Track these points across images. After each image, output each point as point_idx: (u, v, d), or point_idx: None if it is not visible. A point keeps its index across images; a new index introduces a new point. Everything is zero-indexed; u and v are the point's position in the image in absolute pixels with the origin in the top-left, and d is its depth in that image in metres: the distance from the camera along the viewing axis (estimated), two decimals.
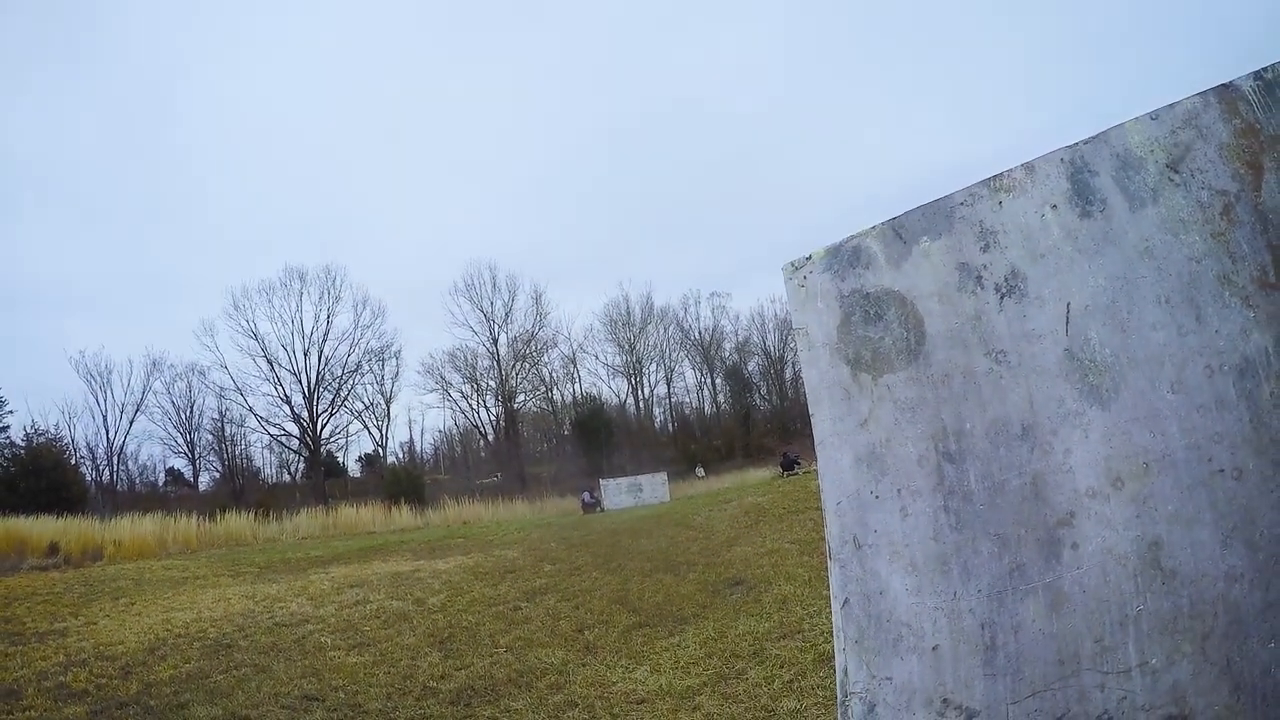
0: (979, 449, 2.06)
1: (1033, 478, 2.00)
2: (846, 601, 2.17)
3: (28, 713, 9.02)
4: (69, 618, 14.26)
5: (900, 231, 2.25)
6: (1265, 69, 1.95)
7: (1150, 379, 1.94)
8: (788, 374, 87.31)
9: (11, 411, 62.53)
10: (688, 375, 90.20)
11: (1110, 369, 1.97)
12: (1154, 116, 2.01)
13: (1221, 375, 1.87)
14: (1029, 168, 2.13)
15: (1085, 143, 2.08)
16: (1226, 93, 1.95)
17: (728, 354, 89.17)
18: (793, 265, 2.41)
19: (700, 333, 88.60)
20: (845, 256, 2.31)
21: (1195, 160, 1.94)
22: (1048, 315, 2.04)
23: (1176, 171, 1.96)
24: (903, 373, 2.17)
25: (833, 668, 7.16)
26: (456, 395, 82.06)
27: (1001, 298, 2.09)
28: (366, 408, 78.90)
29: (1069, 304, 2.03)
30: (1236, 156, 1.91)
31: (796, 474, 34.40)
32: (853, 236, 2.32)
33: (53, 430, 65.31)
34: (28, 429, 62.41)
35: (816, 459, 2.29)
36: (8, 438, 61.00)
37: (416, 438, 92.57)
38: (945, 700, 2.03)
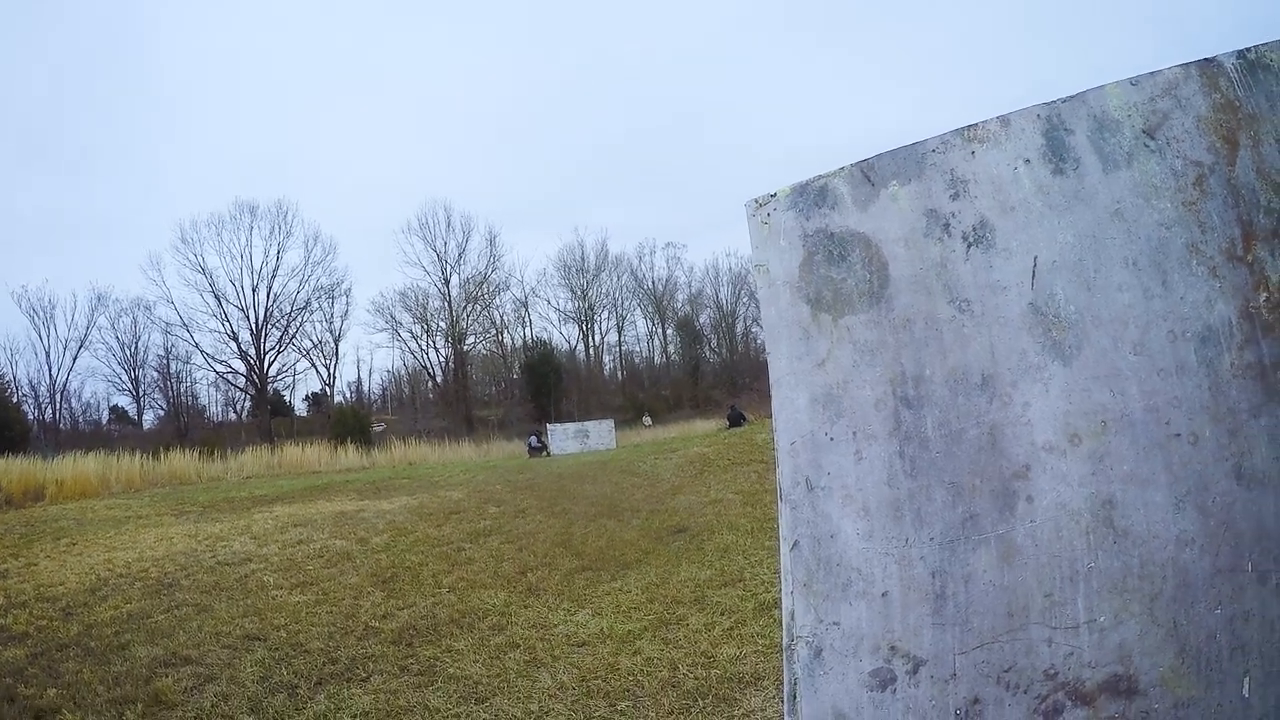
0: (937, 396, 2.04)
1: (990, 428, 1.98)
2: (796, 544, 2.14)
3: None
4: (9, 559, 14.11)
5: (869, 174, 2.21)
6: (1249, 49, 1.94)
7: (1113, 339, 1.92)
8: (739, 328, 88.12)
9: None
10: (639, 324, 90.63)
11: (1074, 325, 1.96)
12: (1134, 82, 1.99)
13: (1184, 341, 1.86)
14: (1004, 120, 2.10)
15: (1063, 101, 2.05)
16: (1208, 67, 1.94)
17: (680, 305, 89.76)
18: (756, 202, 2.36)
19: (654, 282, 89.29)
20: (811, 195, 2.27)
21: (1172, 129, 1.93)
22: (1014, 268, 2.02)
23: (1152, 138, 1.94)
24: (863, 315, 2.13)
25: (773, 617, 7.23)
26: (406, 335, 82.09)
27: (968, 247, 2.07)
28: (315, 346, 78.42)
29: (1036, 258, 2.01)
30: (1213, 130, 1.90)
31: (743, 428, 34.53)
32: (820, 176, 2.28)
33: None
34: None
35: (772, 398, 2.25)
36: None
37: (364, 377, 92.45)
38: (893, 648, 2.02)
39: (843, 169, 2.25)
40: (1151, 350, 1.89)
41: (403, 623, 9.72)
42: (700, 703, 6.81)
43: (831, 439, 2.14)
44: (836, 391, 2.14)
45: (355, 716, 7.22)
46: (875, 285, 2.14)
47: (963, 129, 2.15)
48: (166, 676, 8.21)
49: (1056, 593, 1.91)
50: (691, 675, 7.35)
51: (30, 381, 69.38)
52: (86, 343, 70.62)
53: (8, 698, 7.78)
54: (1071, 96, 2.05)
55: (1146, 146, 1.94)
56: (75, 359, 70.44)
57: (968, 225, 2.08)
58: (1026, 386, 1.97)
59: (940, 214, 2.11)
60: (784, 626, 2.16)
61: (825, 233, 2.22)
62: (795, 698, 2.12)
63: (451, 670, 8.10)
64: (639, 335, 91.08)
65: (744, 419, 39.90)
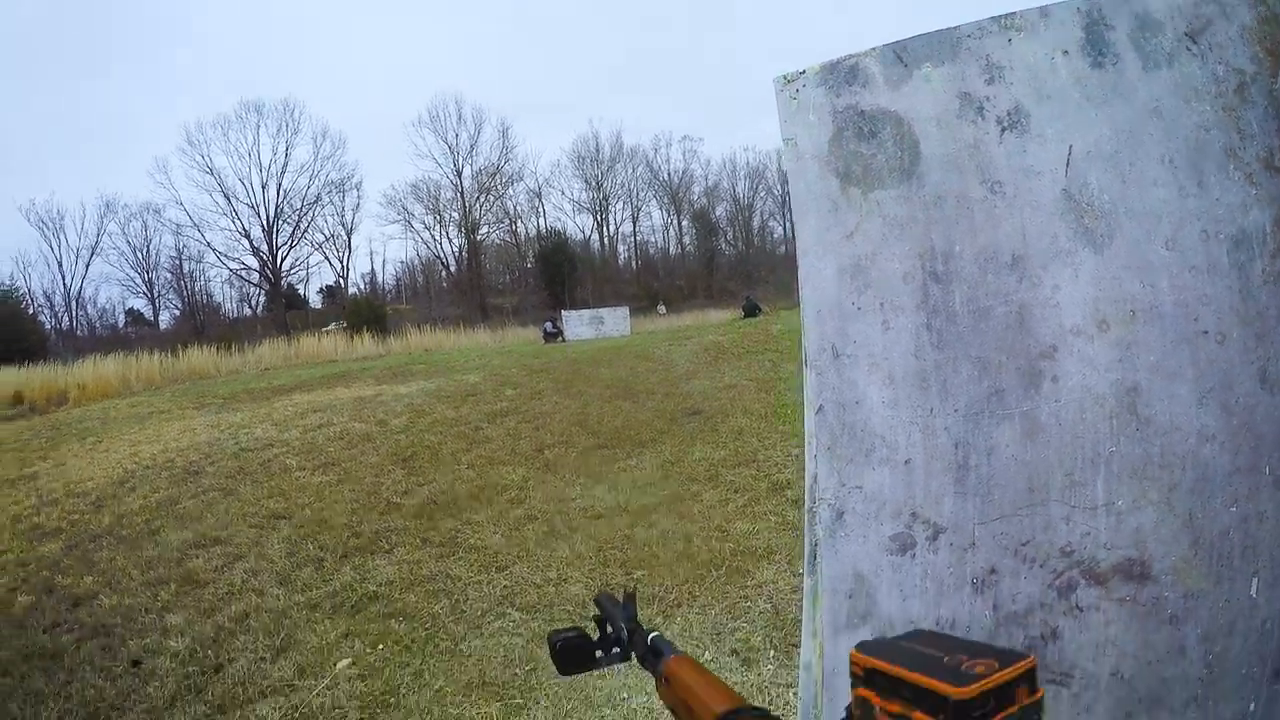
0: (966, 273, 2.03)
1: (1019, 307, 1.99)
2: (821, 408, 2.16)
3: (4, 555, 9.36)
4: (38, 462, 14.57)
5: (901, 55, 2.18)
6: None
7: (1146, 232, 1.91)
8: (755, 221, 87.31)
9: None
10: (654, 215, 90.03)
11: (1107, 215, 1.94)
12: None
13: (1217, 242, 1.85)
14: (1044, 11, 2.07)
15: None
16: None
17: (696, 197, 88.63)
18: (785, 78, 2.32)
19: (670, 174, 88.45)
20: (841, 73, 2.23)
21: (1215, 35, 1.88)
22: (1049, 154, 2.00)
23: (1195, 42, 1.90)
24: (894, 190, 2.11)
25: (785, 497, 7.35)
26: (419, 226, 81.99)
27: (1003, 130, 2.04)
28: (327, 239, 78.75)
29: (1071, 146, 1.99)
30: (1257, 40, 1.85)
31: (758, 318, 34.49)
32: (850, 55, 2.24)
33: (7, 282, 65.67)
34: None
35: (798, 268, 2.26)
36: None
37: (378, 269, 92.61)
38: (914, 514, 2.05)
39: (874, 49, 2.22)
40: (1184, 247, 1.88)
41: (423, 498, 9.94)
42: (714, 573, 6.98)
43: (859, 308, 2.14)
44: (864, 263, 2.13)
45: (380, 585, 7.42)
46: (906, 162, 2.12)
47: (999, 17, 2.12)
48: (197, 557, 8.55)
49: (1077, 473, 1.93)
50: (705, 548, 7.53)
51: (45, 292, 70.30)
52: (98, 249, 71.29)
53: (46, 589, 8.12)
54: None
55: (1188, 50, 1.91)
56: (88, 266, 71.17)
57: (1002, 110, 2.06)
58: (1057, 270, 1.97)
59: (974, 97, 2.09)
60: (807, 490, 2.19)
61: (855, 110, 2.20)
62: (815, 559, 2.15)
63: (472, 541, 8.32)
64: (654, 226, 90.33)
65: (759, 309, 39.90)
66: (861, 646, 0.78)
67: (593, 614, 1.69)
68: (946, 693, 0.66)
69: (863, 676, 0.76)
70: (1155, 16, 1.94)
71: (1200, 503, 1.85)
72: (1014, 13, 2.10)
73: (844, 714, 0.81)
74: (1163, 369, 1.88)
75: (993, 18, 2.12)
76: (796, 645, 5.17)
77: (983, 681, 0.66)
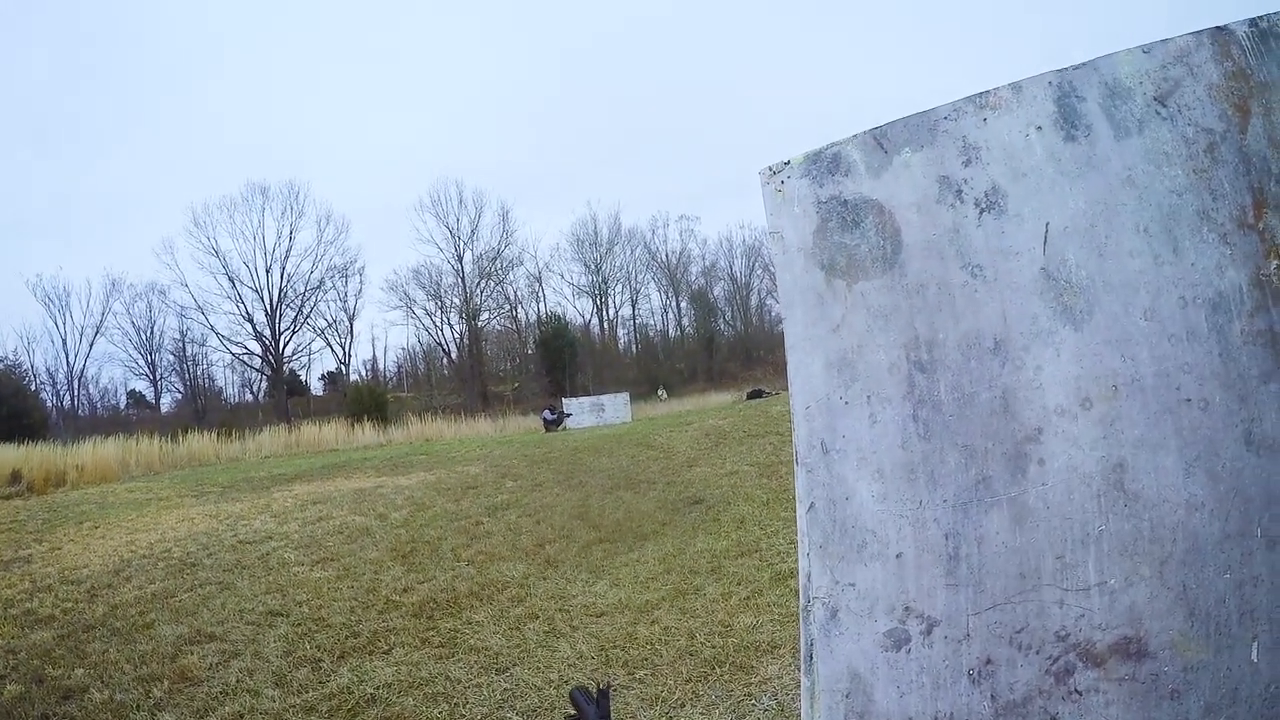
0: (950, 360, 2.05)
1: (1003, 392, 2.00)
2: (812, 506, 2.16)
3: None
4: (33, 544, 14.38)
5: (881, 141, 2.21)
6: (1261, 17, 1.92)
7: (1124, 304, 1.93)
8: (753, 300, 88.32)
9: None
10: (653, 297, 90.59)
11: (1085, 291, 1.96)
12: (1145, 50, 1.98)
13: (1195, 307, 1.86)
14: (1016, 87, 2.10)
15: (1074, 68, 2.04)
16: (1220, 35, 1.92)
17: (694, 278, 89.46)
18: (770, 170, 2.36)
19: (667, 255, 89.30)
20: (824, 163, 2.27)
21: (1183, 97, 1.92)
22: (1026, 233, 2.02)
23: (1164, 105, 1.93)
24: (877, 280, 2.14)
25: (789, 587, 7.28)
26: (420, 312, 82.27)
27: (981, 213, 2.07)
28: (329, 325, 79.17)
29: (1048, 224, 2.01)
30: (1225, 98, 1.89)
31: (762, 399, 34.79)
32: (833, 144, 2.28)
33: (11, 357, 65.93)
34: None
35: (787, 363, 2.26)
36: None
37: (379, 355, 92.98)
38: (907, 608, 2.04)
39: (855, 136, 2.26)
40: (1162, 316, 1.89)
41: (423, 596, 9.87)
42: (717, 671, 6.90)
43: (846, 403, 2.15)
44: (851, 356, 2.15)
45: (378, 688, 7.34)
46: (889, 251, 2.14)
47: (975, 96, 2.15)
48: (192, 653, 8.40)
49: (1068, 555, 1.93)
50: (709, 644, 7.45)
51: (48, 369, 70.30)
52: (102, 329, 71.32)
53: (36, 679, 7.98)
54: (1083, 64, 2.04)
55: (1158, 114, 1.94)
56: (92, 345, 71.10)
57: (980, 192, 2.08)
58: (1038, 350, 1.98)
59: (953, 180, 2.12)
60: (800, 588, 2.18)
61: (839, 200, 2.23)
62: (811, 659, 2.14)
63: (472, 642, 8.23)
64: (653, 308, 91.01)
65: (763, 393, 40.46)
66: None
67: (566, 713, 1.67)
68: None
69: None
70: (1124, 83, 1.98)
71: (1193, 573, 1.84)
72: (988, 91, 2.13)
73: None
74: (1147, 442, 1.89)
75: (968, 97, 2.15)
76: None
77: None
